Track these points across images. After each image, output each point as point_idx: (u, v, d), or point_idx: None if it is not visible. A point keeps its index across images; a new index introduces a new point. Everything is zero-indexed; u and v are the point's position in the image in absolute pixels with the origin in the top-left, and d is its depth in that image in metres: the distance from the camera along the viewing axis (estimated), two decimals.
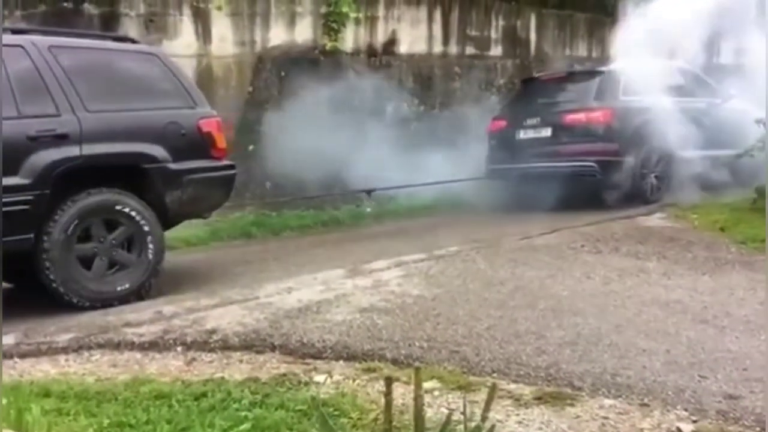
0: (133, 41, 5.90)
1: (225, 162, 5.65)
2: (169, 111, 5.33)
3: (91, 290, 4.83)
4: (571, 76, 8.89)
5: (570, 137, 8.06)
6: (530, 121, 8.42)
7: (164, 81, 5.44)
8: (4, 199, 4.33)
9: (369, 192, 9.27)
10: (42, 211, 4.69)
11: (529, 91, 8.98)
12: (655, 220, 7.24)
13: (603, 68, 8.82)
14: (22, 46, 4.82)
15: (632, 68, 8.62)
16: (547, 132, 8.27)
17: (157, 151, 5.16)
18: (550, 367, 3.29)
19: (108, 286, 4.91)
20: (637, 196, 8.06)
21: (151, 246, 5.05)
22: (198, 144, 5.40)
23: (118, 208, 4.95)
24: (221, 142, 5.56)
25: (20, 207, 4.54)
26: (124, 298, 4.88)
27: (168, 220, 5.39)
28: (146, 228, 5.03)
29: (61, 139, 4.77)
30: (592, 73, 8.66)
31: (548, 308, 4.19)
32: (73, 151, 4.82)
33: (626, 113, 8.13)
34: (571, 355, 3.43)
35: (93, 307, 4.73)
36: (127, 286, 4.95)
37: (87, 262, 4.88)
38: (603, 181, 7.96)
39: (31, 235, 4.66)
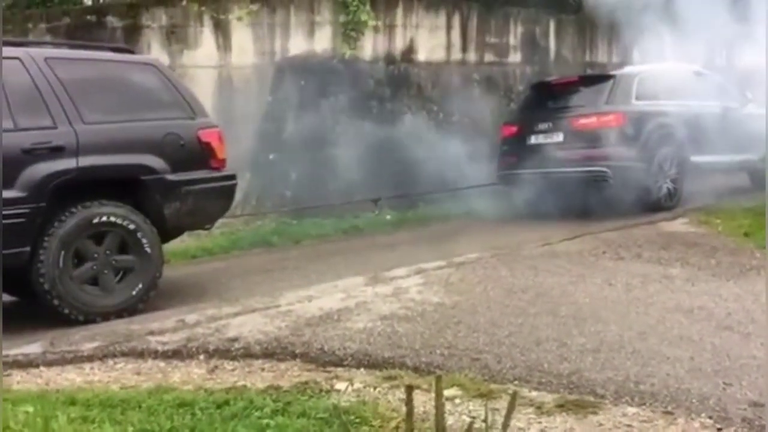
0: (131, 52, 5.86)
1: (225, 173, 5.59)
2: (167, 122, 5.28)
3: (90, 303, 4.80)
4: (582, 81, 8.77)
5: (582, 142, 7.95)
6: (542, 126, 8.33)
7: (163, 91, 5.39)
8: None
9: (375, 201, 9.24)
10: (38, 224, 4.65)
11: (541, 95, 8.89)
12: (678, 225, 7.16)
13: (615, 72, 8.71)
14: (18, 58, 4.79)
15: (646, 72, 8.54)
16: (558, 137, 8.17)
17: (156, 162, 5.11)
18: (572, 375, 3.27)
19: (107, 298, 4.88)
20: (652, 202, 7.95)
21: (148, 250, 5.00)
22: (197, 155, 5.34)
23: (113, 220, 4.88)
24: (221, 152, 5.51)
25: (16, 220, 4.49)
26: (119, 312, 4.84)
27: (167, 232, 5.34)
28: (144, 240, 4.98)
29: (57, 151, 4.74)
30: (604, 77, 8.55)
31: (570, 315, 4.16)
32: (69, 163, 4.77)
33: (639, 117, 8.03)
34: (594, 363, 3.40)
35: (94, 320, 4.72)
36: (128, 296, 4.91)
37: (90, 278, 4.86)
38: (616, 186, 7.87)
39: (28, 249, 4.62)
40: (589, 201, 7.79)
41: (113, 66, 5.34)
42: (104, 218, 4.87)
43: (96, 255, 4.88)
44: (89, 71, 5.16)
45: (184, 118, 5.39)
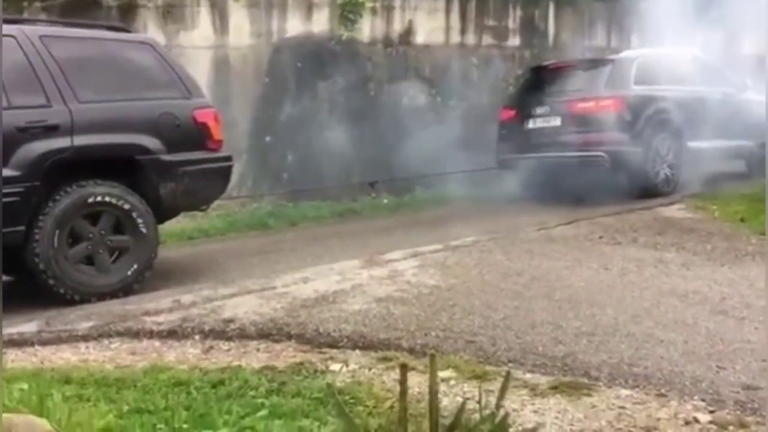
0: (126, 30, 5.79)
1: (221, 153, 5.54)
2: (163, 101, 5.22)
3: (85, 283, 4.79)
4: (581, 65, 8.73)
5: (580, 126, 7.91)
6: (540, 111, 8.30)
7: (158, 71, 5.33)
8: None
9: (372, 184, 9.22)
10: (33, 203, 4.63)
11: (539, 79, 8.82)
12: (674, 210, 7.17)
13: (614, 56, 8.66)
14: (13, 36, 4.74)
15: (644, 57, 8.50)
16: (556, 121, 8.14)
17: (151, 142, 5.07)
18: (566, 357, 3.28)
19: (102, 278, 4.86)
20: (649, 187, 7.94)
21: (144, 230, 4.96)
22: (193, 135, 5.29)
23: (108, 200, 4.86)
24: (217, 133, 5.45)
25: (10, 199, 4.43)
26: (115, 292, 4.82)
27: (163, 213, 5.31)
28: (139, 221, 4.95)
29: (51, 130, 4.70)
30: (602, 62, 8.49)
31: (565, 299, 4.18)
32: (63, 142, 4.73)
33: (638, 102, 8.00)
34: (588, 346, 3.42)
35: (89, 300, 4.71)
36: (123, 276, 4.89)
37: (85, 258, 4.84)
38: (613, 171, 7.86)
39: (22, 228, 4.59)
40: (587, 186, 7.78)
41: (108, 44, 5.28)
42: (99, 198, 4.84)
43: (91, 235, 4.86)
44: (84, 50, 5.10)
45: (179, 98, 5.34)
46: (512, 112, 8.70)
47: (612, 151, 7.77)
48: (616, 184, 7.77)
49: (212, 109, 5.58)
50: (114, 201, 4.89)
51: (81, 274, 4.81)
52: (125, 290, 4.88)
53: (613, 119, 7.86)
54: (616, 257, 5.20)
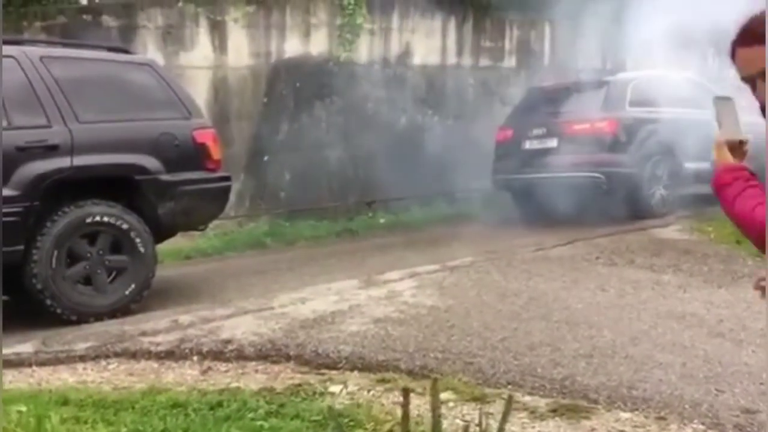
0: (126, 51, 5.84)
1: (220, 174, 5.57)
2: (162, 122, 5.26)
3: (83, 303, 4.79)
4: (577, 86, 8.75)
5: (576, 148, 7.94)
6: (536, 131, 8.33)
7: (158, 91, 5.37)
8: None
9: (369, 203, 9.23)
10: (31, 223, 4.63)
11: (535, 100, 8.87)
12: (671, 232, 7.20)
13: (609, 78, 8.72)
14: (14, 57, 4.77)
15: (639, 78, 8.58)
16: (552, 142, 8.17)
17: (150, 162, 5.09)
18: (565, 380, 3.28)
19: (100, 298, 4.86)
20: (645, 209, 7.95)
21: (142, 250, 4.96)
22: (192, 155, 5.32)
23: (105, 219, 4.86)
24: (216, 153, 5.48)
25: (9, 218, 4.40)
26: (112, 312, 4.80)
27: (161, 232, 5.31)
28: (137, 240, 4.94)
29: (51, 150, 4.73)
30: (598, 83, 8.52)
31: (563, 320, 4.18)
32: (63, 162, 4.76)
33: (633, 124, 8.06)
34: (587, 368, 3.42)
35: (87, 320, 4.68)
36: (120, 296, 4.89)
37: (83, 278, 4.85)
38: (609, 192, 7.90)
39: (21, 247, 4.59)
40: (583, 207, 7.82)
41: (109, 65, 5.33)
42: (97, 218, 4.85)
43: (89, 254, 4.87)
44: (85, 70, 5.14)
45: (179, 119, 5.37)
46: (508, 133, 8.73)
47: (608, 173, 7.80)
48: (611, 205, 7.80)
49: (211, 129, 5.61)
50: (112, 221, 4.89)
51: (79, 294, 4.81)
52: (123, 310, 4.87)
53: (609, 140, 7.92)
54: (613, 278, 5.21)
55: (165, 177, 5.15)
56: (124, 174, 5.07)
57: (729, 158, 1.72)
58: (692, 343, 3.75)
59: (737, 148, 1.75)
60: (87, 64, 5.22)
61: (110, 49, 5.73)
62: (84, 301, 4.81)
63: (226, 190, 5.69)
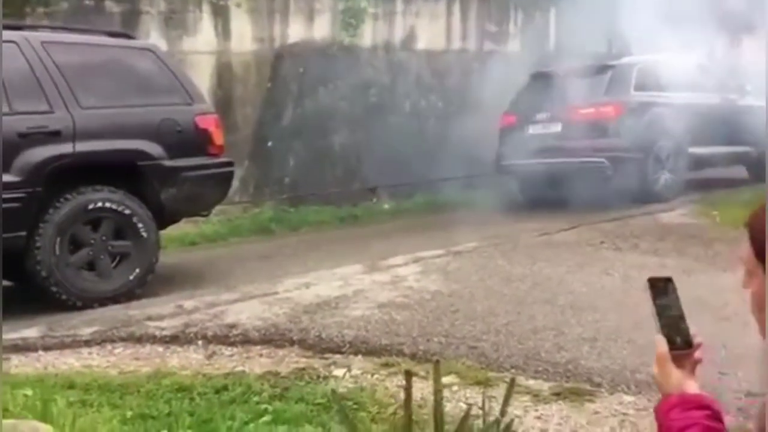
0: (128, 36, 5.80)
1: (222, 159, 5.56)
2: (164, 107, 5.24)
3: (87, 289, 4.79)
4: (581, 71, 8.57)
5: (580, 133, 7.88)
6: (540, 117, 8.27)
7: (160, 77, 5.34)
8: None
9: (373, 189, 9.21)
10: (34, 209, 4.61)
11: (539, 85, 8.78)
12: (676, 216, 7.18)
13: (614, 62, 8.62)
14: (15, 42, 4.73)
15: (644, 62, 8.50)
16: (556, 127, 8.11)
17: (152, 148, 5.07)
18: (569, 363, 3.29)
19: (104, 284, 4.86)
20: (650, 193, 7.91)
21: (145, 235, 4.95)
22: (194, 141, 5.30)
23: (108, 205, 4.84)
24: (219, 138, 5.47)
25: (12, 204, 4.41)
26: (117, 297, 4.80)
27: (164, 218, 5.30)
28: (140, 226, 4.94)
29: (53, 136, 4.71)
30: (603, 68, 8.43)
31: (567, 305, 4.18)
32: (65, 148, 4.74)
33: (638, 108, 7.99)
34: (590, 352, 3.42)
35: (92, 306, 4.67)
36: (125, 281, 4.88)
37: (86, 264, 4.85)
38: (614, 177, 7.84)
39: (24, 233, 4.58)
40: (588, 192, 7.79)
41: (110, 51, 5.30)
42: (99, 204, 4.84)
43: (93, 241, 4.86)
44: (86, 56, 5.11)
45: (181, 104, 5.36)
46: (512, 118, 8.68)
47: (612, 157, 7.76)
48: (616, 190, 7.77)
49: (214, 115, 5.60)
50: (115, 207, 4.89)
51: (83, 280, 4.82)
52: (128, 295, 4.87)
53: (614, 125, 7.85)
54: (618, 263, 5.20)
55: (167, 163, 5.13)
56: (127, 160, 5.06)
57: (678, 380, 1.22)
58: (697, 327, 3.74)
59: (686, 357, 1.24)
60: (88, 50, 5.20)
61: (112, 35, 5.70)
62: (88, 287, 4.82)
63: (229, 176, 5.67)
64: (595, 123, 7.89)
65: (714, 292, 4.40)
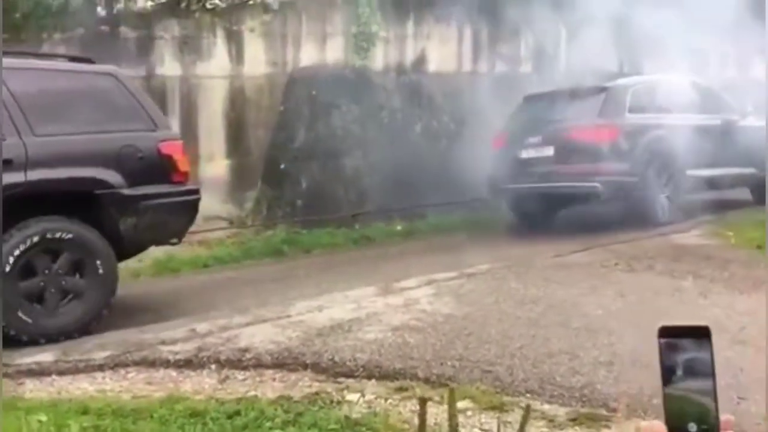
0: (90, 61, 5.54)
1: (188, 186, 5.38)
2: (125, 134, 5.08)
3: (36, 324, 4.53)
4: (574, 93, 8.39)
5: (572, 156, 7.69)
6: (532, 140, 8.03)
7: (122, 102, 5.18)
8: None
9: (355, 216, 9.03)
10: None
11: (531, 107, 8.58)
12: (690, 237, 7.12)
13: (608, 84, 8.36)
14: None
15: (640, 83, 8.38)
16: (549, 151, 7.88)
17: (111, 175, 4.91)
18: (584, 388, 3.25)
19: (54, 318, 4.62)
20: (647, 217, 7.66)
21: (101, 269, 4.77)
22: (157, 168, 5.13)
23: (60, 236, 4.65)
24: (183, 165, 5.30)
25: None
26: (69, 333, 4.58)
27: (124, 248, 5.13)
28: (96, 257, 4.74)
29: (4, 164, 4.43)
30: (596, 89, 8.18)
31: (582, 327, 4.15)
32: (17, 177, 4.52)
33: (633, 131, 7.78)
34: (607, 376, 3.39)
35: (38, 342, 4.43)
36: (77, 316, 4.68)
37: (36, 296, 4.61)
38: (609, 202, 7.65)
39: None
40: (581, 217, 7.67)
41: (69, 76, 5.14)
42: (52, 235, 4.64)
43: (47, 271, 4.64)
44: (43, 82, 4.95)
45: (143, 130, 5.17)
46: (505, 141, 8.43)
47: (606, 182, 7.52)
48: (611, 215, 7.63)
49: (178, 141, 5.45)
50: (67, 236, 4.68)
51: (31, 314, 4.54)
52: (80, 331, 4.65)
53: (607, 148, 7.60)
54: (633, 285, 5.16)
55: (126, 191, 4.95)
56: (83, 188, 4.87)
57: None
58: (714, 351, 3.70)
59: None
60: (46, 75, 5.03)
61: (73, 59, 5.54)
62: (37, 321, 4.54)
63: (195, 203, 5.41)
64: (588, 146, 7.65)
65: (731, 315, 4.35)
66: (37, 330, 4.52)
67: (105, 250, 4.85)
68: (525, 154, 8.11)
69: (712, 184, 8.29)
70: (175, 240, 5.55)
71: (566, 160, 7.74)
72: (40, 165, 4.67)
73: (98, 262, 4.78)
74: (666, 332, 0.86)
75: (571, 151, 7.76)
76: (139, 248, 5.51)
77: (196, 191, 5.48)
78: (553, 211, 8.11)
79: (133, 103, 5.23)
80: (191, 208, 5.40)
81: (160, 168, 5.16)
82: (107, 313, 4.87)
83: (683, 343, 0.86)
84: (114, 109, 5.15)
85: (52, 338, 4.52)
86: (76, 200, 4.85)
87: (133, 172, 5.02)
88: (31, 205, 4.59)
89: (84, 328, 4.69)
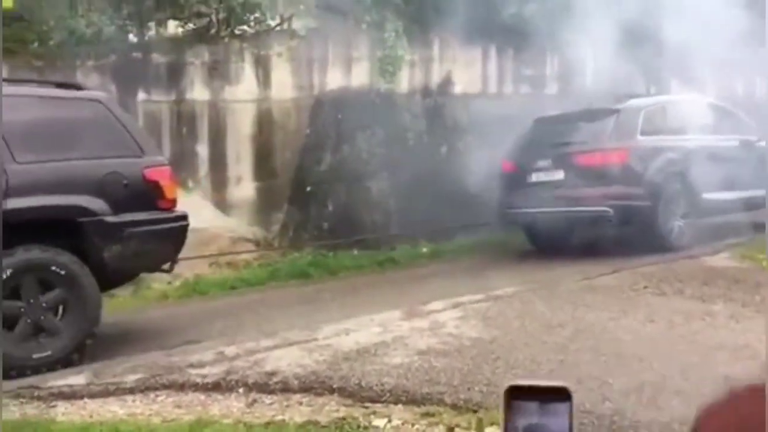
0: (77, 87, 5.51)
1: (175, 213, 5.28)
2: (110, 160, 5.02)
3: (15, 356, 4.38)
4: (585, 115, 8.29)
5: (583, 180, 7.54)
6: (542, 163, 7.93)
7: (107, 128, 5.12)
8: None
9: (359, 240, 8.94)
10: None
11: (541, 131, 8.43)
12: (721, 260, 7.01)
13: (620, 106, 8.17)
14: None
15: (653, 105, 8.25)
16: (559, 175, 7.77)
17: (94, 203, 4.84)
18: (614, 415, 3.21)
19: (37, 349, 4.52)
20: (661, 242, 7.49)
21: (84, 297, 4.70)
22: (143, 195, 5.06)
23: (44, 265, 4.55)
24: (171, 192, 5.23)
25: None
26: (52, 364, 4.47)
27: (109, 277, 5.04)
28: (79, 286, 4.66)
29: None
30: (607, 112, 8.04)
31: (611, 352, 4.10)
32: None
33: (645, 154, 7.63)
34: (637, 402, 3.34)
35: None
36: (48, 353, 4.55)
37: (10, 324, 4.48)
38: (621, 227, 7.50)
39: None
40: (592, 242, 7.55)
41: (55, 103, 5.10)
42: (34, 263, 4.58)
43: (31, 301, 4.57)
44: (26, 109, 4.85)
45: (129, 156, 5.12)
46: (514, 165, 8.32)
47: (617, 206, 7.38)
48: (623, 240, 7.45)
49: (166, 167, 5.37)
50: (51, 266, 4.62)
51: (11, 346, 4.41)
52: (63, 362, 4.55)
53: (619, 172, 7.48)
54: (662, 309, 5.10)
55: (110, 218, 4.88)
56: (65, 216, 4.80)
57: None
58: (746, 376, 3.64)
59: None
60: (30, 102, 4.97)
61: (59, 85, 5.46)
62: (15, 353, 4.40)
63: (182, 230, 5.30)
64: (598, 170, 7.51)
65: (762, 340, 4.27)
66: (16, 363, 4.35)
67: (86, 276, 4.75)
68: (535, 177, 8.01)
69: (729, 207, 8.08)
70: (166, 267, 5.45)
71: (576, 184, 7.59)
72: (21, 193, 4.59)
73: (80, 288, 4.69)
74: (515, 391, 0.72)
75: (580, 174, 7.61)
76: (125, 276, 5.43)
77: (184, 217, 5.35)
78: (566, 235, 8.01)
79: (119, 129, 5.16)
80: (179, 235, 5.29)
81: (146, 194, 5.10)
82: (91, 343, 4.77)
83: (529, 406, 0.74)
84: (98, 136, 5.08)
85: (36, 370, 4.38)
86: (59, 228, 4.76)
87: (118, 199, 4.95)
88: (12, 234, 4.34)
89: (67, 359, 4.59)
